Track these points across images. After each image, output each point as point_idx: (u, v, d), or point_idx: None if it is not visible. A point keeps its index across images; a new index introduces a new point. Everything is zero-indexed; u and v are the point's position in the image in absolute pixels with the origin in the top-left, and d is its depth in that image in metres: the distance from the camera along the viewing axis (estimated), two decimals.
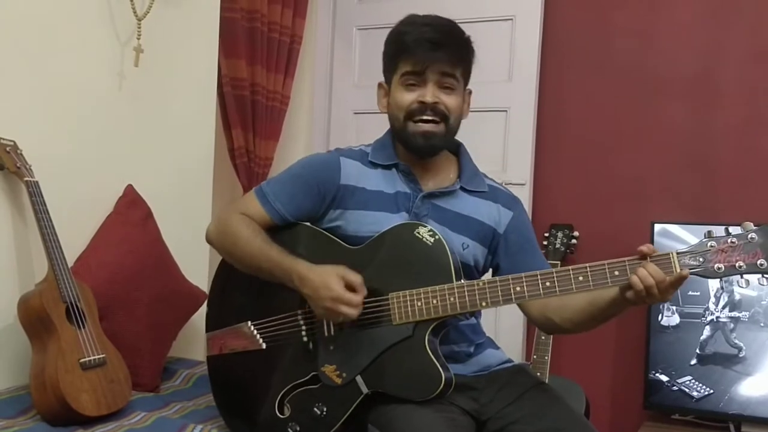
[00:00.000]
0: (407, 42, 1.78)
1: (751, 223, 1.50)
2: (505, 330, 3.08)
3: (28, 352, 1.90)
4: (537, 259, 1.87)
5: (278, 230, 1.83)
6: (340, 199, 1.82)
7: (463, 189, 1.86)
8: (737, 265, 1.48)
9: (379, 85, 1.90)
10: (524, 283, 1.60)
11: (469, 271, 1.82)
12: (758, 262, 1.47)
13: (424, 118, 1.78)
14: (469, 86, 1.91)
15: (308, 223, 1.84)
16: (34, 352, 1.88)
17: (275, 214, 1.81)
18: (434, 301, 1.64)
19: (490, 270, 1.91)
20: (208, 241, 1.89)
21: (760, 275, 1.48)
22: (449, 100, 1.80)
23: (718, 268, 1.49)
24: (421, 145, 1.80)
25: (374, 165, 1.86)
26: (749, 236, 1.48)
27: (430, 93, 1.77)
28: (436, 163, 1.87)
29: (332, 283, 1.65)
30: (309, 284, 1.68)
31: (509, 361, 1.90)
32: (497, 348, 1.92)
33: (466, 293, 1.63)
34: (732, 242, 1.49)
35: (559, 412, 1.72)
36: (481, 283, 1.63)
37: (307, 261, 1.74)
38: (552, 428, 1.67)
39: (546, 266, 1.87)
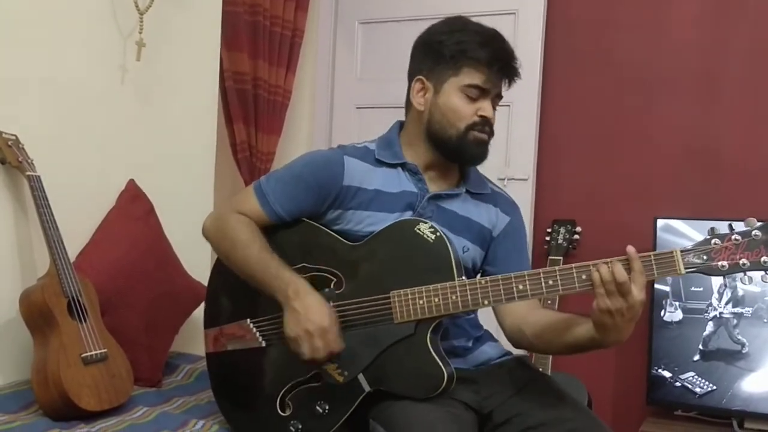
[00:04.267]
0: (484, 56, 1.76)
1: (755, 220, 1.49)
2: None
3: (29, 346, 1.90)
4: (523, 267, 1.83)
5: (277, 226, 1.81)
6: (341, 200, 1.79)
7: (467, 192, 1.86)
8: (741, 262, 1.47)
9: (419, 79, 1.83)
10: (527, 281, 1.59)
11: (467, 275, 1.81)
12: (762, 260, 1.46)
13: (483, 132, 1.79)
14: None
15: (307, 219, 1.82)
16: (36, 347, 1.88)
17: (273, 215, 1.79)
18: (436, 300, 1.63)
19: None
20: (205, 236, 1.87)
21: (763, 272, 1.47)
22: (494, 117, 1.82)
23: (722, 266, 1.48)
24: (476, 154, 1.80)
25: (380, 163, 1.84)
26: (753, 233, 1.47)
27: (490, 110, 1.79)
28: (446, 167, 1.87)
29: (331, 324, 1.63)
30: (305, 303, 1.64)
31: (508, 353, 1.90)
32: (495, 341, 1.92)
33: (468, 291, 1.62)
34: (735, 239, 1.48)
35: (562, 403, 1.73)
36: (483, 281, 1.62)
37: (306, 257, 1.73)
38: (556, 419, 1.67)
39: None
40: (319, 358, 1.63)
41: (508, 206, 1.92)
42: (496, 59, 1.76)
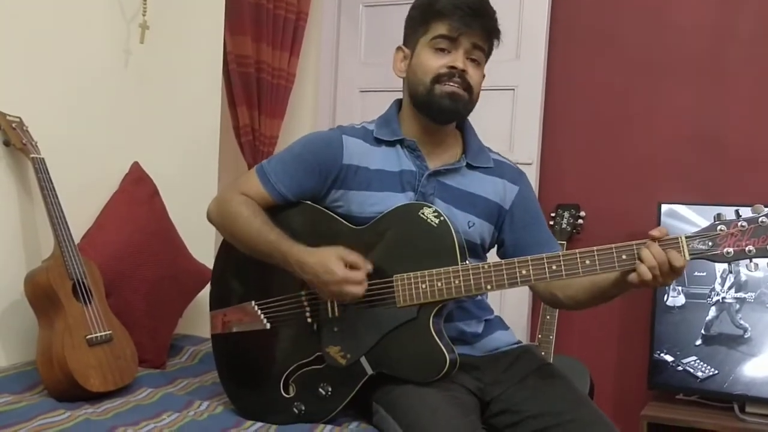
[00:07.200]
0: (444, 5, 1.75)
1: (762, 206, 1.48)
2: (510, 309, 3.08)
3: (35, 328, 1.91)
4: (542, 234, 1.87)
5: (280, 209, 1.82)
6: (342, 180, 1.80)
7: (468, 165, 1.85)
8: (747, 249, 1.46)
9: (398, 48, 1.87)
10: (530, 267, 1.59)
11: (475, 249, 1.82)
12: None
13: (452, 83, 1.75)
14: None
15: (310, 202, 1.82)
16: (41, 329, 1.89)
17: (276, 195, 1.80)
18: (439, 284, 1.63)
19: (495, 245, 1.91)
20: (209, 220, 1.88)
21: None
22: (474, 74, 1.78)
23: (728, 253, 1.47)
24: (446, 107, 1.76)
25: (378, 142, 1.83)
26: (760, 219, 1.46)
27: (461, 60, 1.75)
28: (442, 138, 1.86)
29: (333, 266, 1.64)
30: (309, 269, 1.66)
31: (517, 342, 1.90)
32: (506, 328, 1.92)
33: (471, 276, 1.62)
34: (742, 226, 1.47)
35: (563, 394, 1.73)
36: (486, 266, 1.62)
37: (309, 240, 1.73)
38: (555, 411, 1.67)
39: (551, 240, 1.88)
40: (361, 293, 1.66)
41: (515, 175, 1.91)
42: (462, 5, 1.74)
